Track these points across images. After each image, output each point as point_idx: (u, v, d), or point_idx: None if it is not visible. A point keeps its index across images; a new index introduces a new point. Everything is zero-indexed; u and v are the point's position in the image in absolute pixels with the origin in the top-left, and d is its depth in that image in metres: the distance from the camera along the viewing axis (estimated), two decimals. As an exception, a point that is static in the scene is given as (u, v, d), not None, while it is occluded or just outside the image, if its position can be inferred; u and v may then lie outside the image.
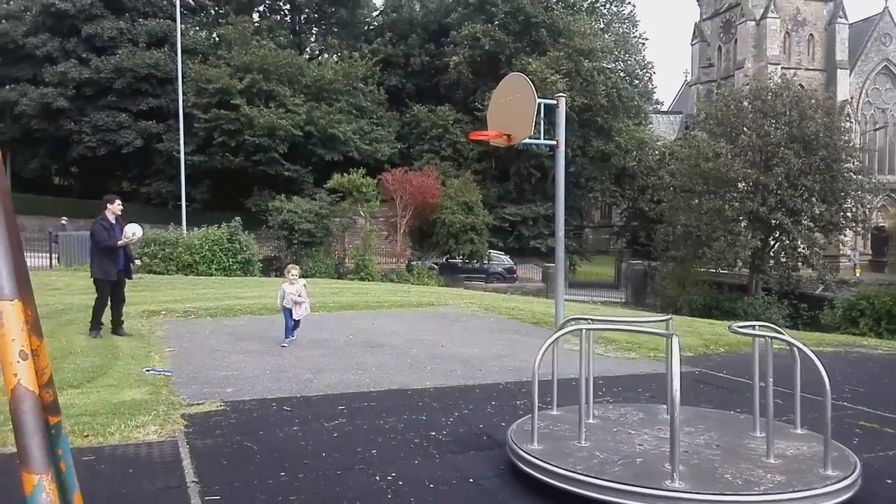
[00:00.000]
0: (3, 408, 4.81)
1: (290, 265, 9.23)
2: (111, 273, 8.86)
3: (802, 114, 25.92)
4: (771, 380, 4.18)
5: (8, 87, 36.71)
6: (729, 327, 4.90)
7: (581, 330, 4.77)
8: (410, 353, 8.53)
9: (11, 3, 39.56)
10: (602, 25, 44.66)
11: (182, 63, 29.80)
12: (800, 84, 31.28)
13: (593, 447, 4.27)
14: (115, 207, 8.96)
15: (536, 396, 4.39)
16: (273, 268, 26.44)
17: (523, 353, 8.37)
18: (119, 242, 8.86)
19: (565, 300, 11.11)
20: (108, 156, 36.91)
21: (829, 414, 3.91)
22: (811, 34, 51.44)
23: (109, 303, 8.96)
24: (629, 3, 49.92)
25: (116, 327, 9.06)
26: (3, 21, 37.62)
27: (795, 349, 4.20)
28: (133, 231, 8.98)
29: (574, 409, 4.72)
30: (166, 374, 6.96)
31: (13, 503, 3.60)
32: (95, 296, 8.99)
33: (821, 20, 51.45)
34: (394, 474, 4.31)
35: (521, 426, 4.75)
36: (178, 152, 31.53)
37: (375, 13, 47.61)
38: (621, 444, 4.40)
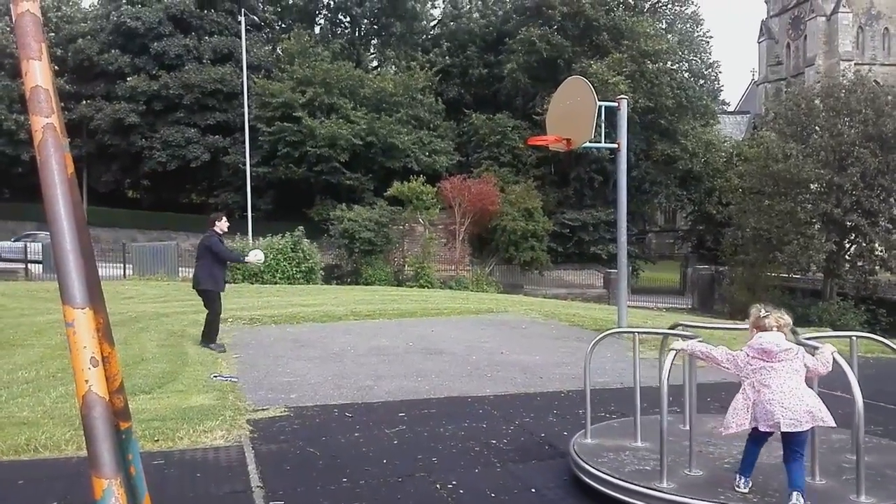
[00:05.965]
0: (77, 412, 5.01)
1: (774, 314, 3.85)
2: (222, 285, 9.20)
3: (879, 111, 24.84)
4: (857, 390, 3.92)
5: (84, 102, 38.45)
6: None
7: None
8: (470, 361, 8.49)
9: (88, 21, 41.46)
10: (664, 25, 43.64)
11: (246, 79, 30.63)
12: (875, 80, 29.88)
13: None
14: (223, 225, 9.39)
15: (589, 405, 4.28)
16: (334, 276, 26.84)
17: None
18: (247, 259, 9.81)
19: (628, 307, 10.87)
20: (177, 170, 38.23)
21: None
22: (886, 28, 49.20)
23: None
24: (692, 2, 48.75)
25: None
26: (79, 39, 39.49)
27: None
28: (257, 257, 9.87)
29: (643, 420, 4.60)
30: (233, 380, 7.11)
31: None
32: (205, 310, 9.12)
33: (896, 13, 49.17)
34: (454, 482, 4.28)
35: (584, 436, 4.65)
36: (244, 164, 32.43)
37: (434, 22, 47.87)
38: (692, 456, 4.24)
